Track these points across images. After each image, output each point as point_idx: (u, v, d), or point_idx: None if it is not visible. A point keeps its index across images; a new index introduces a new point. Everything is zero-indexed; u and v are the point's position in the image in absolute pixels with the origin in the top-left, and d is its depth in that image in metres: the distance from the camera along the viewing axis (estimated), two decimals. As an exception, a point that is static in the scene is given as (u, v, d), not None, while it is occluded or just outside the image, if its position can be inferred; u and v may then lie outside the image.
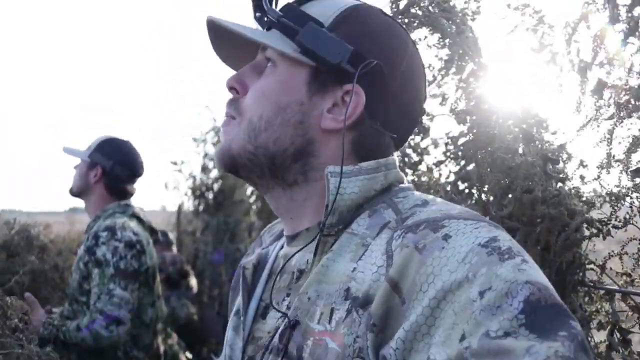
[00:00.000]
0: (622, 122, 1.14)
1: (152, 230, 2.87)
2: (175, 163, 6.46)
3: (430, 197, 0.83)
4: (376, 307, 0.68)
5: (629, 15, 1.07)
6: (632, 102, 1.08)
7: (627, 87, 1.10)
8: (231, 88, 0.90)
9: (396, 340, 0.64)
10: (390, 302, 0.68)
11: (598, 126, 1.19)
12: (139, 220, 2.78)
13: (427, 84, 0.96)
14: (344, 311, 0.73)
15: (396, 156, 0.93)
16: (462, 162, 1.75)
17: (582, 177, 1.45)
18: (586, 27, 1.16)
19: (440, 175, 2.06)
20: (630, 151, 1.18)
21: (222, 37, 0.93)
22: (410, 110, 0.91)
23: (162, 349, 2.93)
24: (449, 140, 1.73)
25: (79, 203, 2.86)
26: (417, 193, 0.86)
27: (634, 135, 1.14)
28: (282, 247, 0.97)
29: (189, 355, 4.30)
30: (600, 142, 1.19)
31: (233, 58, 0.98)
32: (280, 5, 0.89)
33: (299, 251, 0.87)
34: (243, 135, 0.86)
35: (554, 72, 1.33)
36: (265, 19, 0.87)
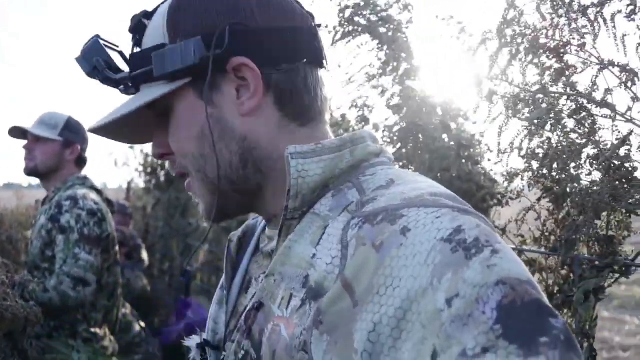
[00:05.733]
0: (508, 121, 1.53)
1: (109, 202, 3.03)
2: (127, 140, 6.52)
3: (399, 173, 0.77)
4: (326, 305, 0.64)
5: (515, 41, 1.45)
6: (514, 107, 1.46)
7: (510, 95, 1.49)
8: (162, 156, 0.88)
9: (361, 353, 0.59)
10: (342, 303, 0.63)
11: (493, 120, 1.57)
12: (97, 192, 2.95)
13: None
14: (299, 300, 0.70)
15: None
16: (398, 145, 2.11)
17: (488, 160, 1.83)
18: (485, 49, 1.52)
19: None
20: (522, 141, 1.57)
21: (117, 130, 0.88)
22: (293, 24, 0.82)
23: (119, 314, 3.10)
24: (386, 128, 2.08)
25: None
26: (386, 169, 0.79)
27: (518, 129, 1.53)
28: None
29: (142, 324, 4.50)
30: (496, 134, 1.57)
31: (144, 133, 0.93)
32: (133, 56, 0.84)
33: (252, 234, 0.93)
34: (201, 182, 0.84)
35: (461, 84, 1.70)
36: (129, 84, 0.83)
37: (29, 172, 2.87)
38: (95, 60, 0.83)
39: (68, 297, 2.51)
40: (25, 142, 2.89)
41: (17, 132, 2.89)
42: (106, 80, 0.83)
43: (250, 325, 0.76)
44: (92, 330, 2.73)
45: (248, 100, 0.79)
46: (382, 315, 0.59)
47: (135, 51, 0.84)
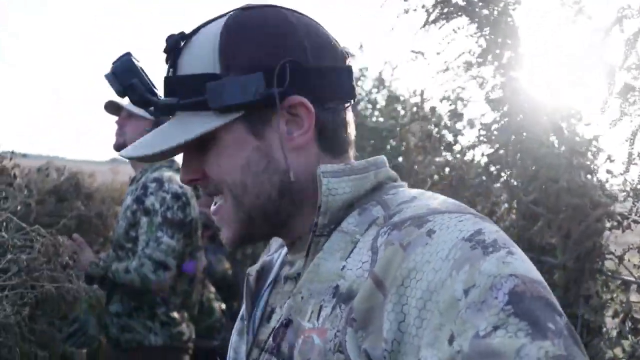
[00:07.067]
0: (645, 124, 1.19)
1: (195, 186, 2.99)
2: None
3: (420, 192, 0.82)
4: (358, 302, 0.69)
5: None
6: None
7: None
8: (191, 180, 0.89)
9: (391, 342, 0.64)
10: (373, 299, 0.68)
11: (619, 120, 1.23)
12: None
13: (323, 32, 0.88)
14: (330, 308, 0.74)
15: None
16: (496, 146, 1.81)
17: (608, 171, 1.50)
18: (620, 30, 1.19)
19: (473, 156, 2.13)
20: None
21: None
22: (336, 64, 0.87)
23: (197, 299, 3.09)
24: (482, 125, 1.79)
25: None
26: (406, 189, 0.85)
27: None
28: (287, 254, 0.97)
29: (223, 307, 4.47)
30: (625, 141, 1.24)
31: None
32: (159, 83, 0.85)
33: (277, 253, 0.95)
34: (234, 210, 0.86)
35: (582, 77, 1.37)
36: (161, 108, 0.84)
37: (118, 147, 2.87)
38: (134, 82, 0.82)
39: (148, 279, 2.54)
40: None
41: (112, 108, 2.90)
42: (142, 102, 0.83)
43: (279, 342, 0.79)
44: (171, 314, 2.74)
45: (299, 136, 0.83)
46: (409, 307, 0.63)
47: (170, 74, 0.84)
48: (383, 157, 0.90)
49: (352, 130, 0.91)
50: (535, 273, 0.63)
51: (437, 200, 0.78)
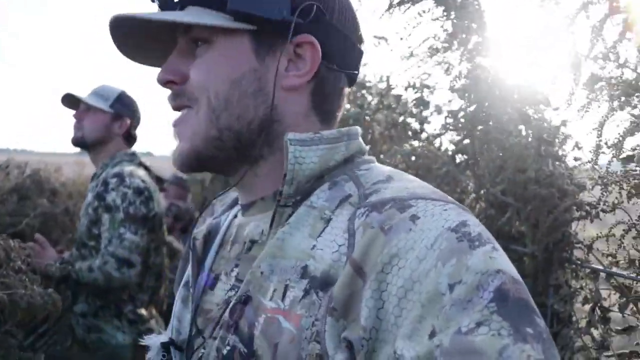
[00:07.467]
0: (613, 114, 1.13)
1: (158, 179, 2.93)
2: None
3: (393, 170, 0.79)
4: (338, 290, 0.66)
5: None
6: (623, 97, 1.07)
7: (621, 81, 1.09)
8: (167, 82, 0.83)
9: (369, 330, 0.62)
10: (353, 286, 0.65)
11: (586, 112, 1.18)
12: (146, 169, 2.85)
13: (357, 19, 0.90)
14: (300, 290, 0.70)
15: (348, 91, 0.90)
16: (463, 134, 1.77)
17: (576, 159, 1.46)
18: (586, 17, 1.14)
19: (441, 144, 2.09)
20: (622, 139, 1.19)
21: (130, 33, 0.85)
22: (354, 39, 0.87)
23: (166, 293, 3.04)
24: (449, 114, 1.74)
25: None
26: (379, 166, 0.81)
27: (625, 127, 1.14)
28: (235, 216, 0.93)
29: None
30: (592, 130, 1.20)
31: (143, 56, 0.92)
32: None
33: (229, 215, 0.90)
34: (205, 121, 0.80)
35: (549, 64, 1.33)
36: None
37: (76, 141, 2.80)
38: None
39: (112, 277, 2.48)
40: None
41: (69, 101, 2.81)
42: None
43: (236, 319, 0.75)
44: (138, 311, 2.68)
45: (294, 77, 0.80)
46: (388, 294, 0.61)
47: None
48: (357, 128, 0.87)
49: (342, 109, 0.90)
50: (516, 273, 0.62)
51: (414, 182, 0.75)
